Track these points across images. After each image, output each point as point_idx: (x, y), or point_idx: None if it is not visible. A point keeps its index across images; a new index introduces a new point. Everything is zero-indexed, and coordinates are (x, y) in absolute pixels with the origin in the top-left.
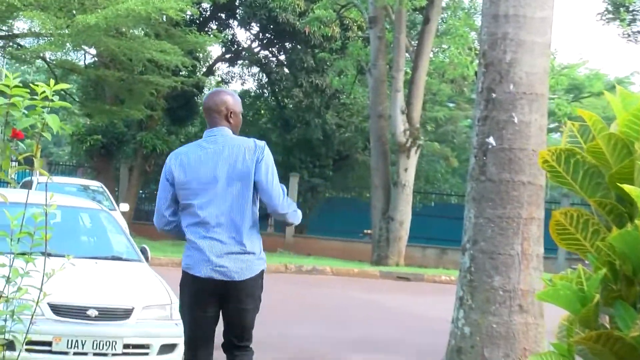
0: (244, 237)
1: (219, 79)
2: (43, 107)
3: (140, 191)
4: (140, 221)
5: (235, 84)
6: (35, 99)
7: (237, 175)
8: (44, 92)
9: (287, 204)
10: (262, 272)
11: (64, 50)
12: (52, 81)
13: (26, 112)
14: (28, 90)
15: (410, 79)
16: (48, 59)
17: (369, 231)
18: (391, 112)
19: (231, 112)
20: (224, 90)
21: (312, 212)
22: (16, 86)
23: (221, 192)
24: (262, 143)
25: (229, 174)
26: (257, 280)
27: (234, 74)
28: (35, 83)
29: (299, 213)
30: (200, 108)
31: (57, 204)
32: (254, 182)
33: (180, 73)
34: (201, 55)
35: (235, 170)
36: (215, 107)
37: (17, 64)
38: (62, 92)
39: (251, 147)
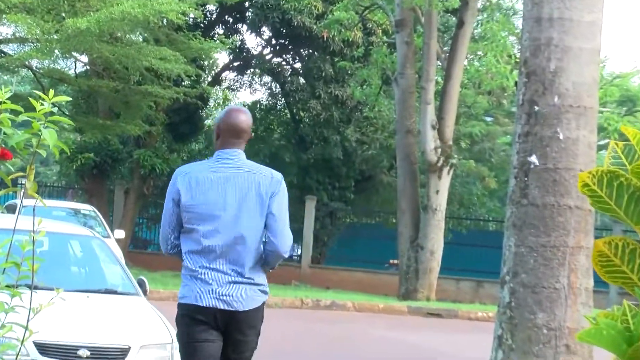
0: (248, 271)
1: (227, 90)
2: (38, 121)
3: (138, 216)
4: (137, 250)
5: (245, 95)
6: (29, 112)
7: (249, 206)
8: (43, 105)
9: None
10: (263, 303)
11: (52, 58)
12: (51, 92)
13: (16, 130)
14: (20, 104)
15: (442, 89)
16: (34, 68)
17: (396, 261)
18: (420, 127)
19: (250, 135)
20: (244, 108)
21: (331, 239)
22: (3, 102)
23: (230, 221)
24: (280, 176)
25: (241, 203)
26: (259, 312)
27: (243, 83)
28: (32, 94)
29: None
30: (206, 122)
31: (45, 231)
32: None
33: (183, 83)
34: (206, 63)
35: (247, 200)
36: (247, 128)
37: (0, 73)
38: (52, 105)
39: (268, 177)
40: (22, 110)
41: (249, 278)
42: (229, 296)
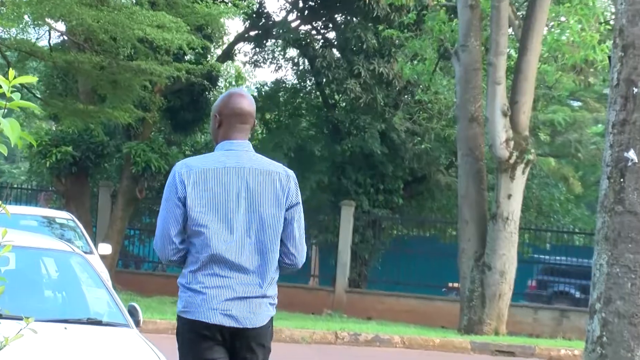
0: (261, 283)
1: (241, 66)
2: None
3: (128, 227)
4: (127, 269)
5: (264, 73)
6: None
7: (266, 208)
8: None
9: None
10: (272, 318)
11: (21, 26)
12: (11, 72)
13: None
14: None
15: (515, 66)
16: None
17: (456, 285)
18: (488, 113)
19: (255, 124)
20: (246, 92)
21: (373, 257)
22: None
23: (244, 224)
24: (293, 174)
25: (256, 204)
26: (268, 328)
27: (262, 58)
28: None
29: None
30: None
31: (11, 245)
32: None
33: (186, 58)
34: (215, 32)
35: (264, 201)
36: (253, 112)
37: None
38: (19, 86)
39: (283, 175)
40: None
41: (262, 290)
42: (237, 311)
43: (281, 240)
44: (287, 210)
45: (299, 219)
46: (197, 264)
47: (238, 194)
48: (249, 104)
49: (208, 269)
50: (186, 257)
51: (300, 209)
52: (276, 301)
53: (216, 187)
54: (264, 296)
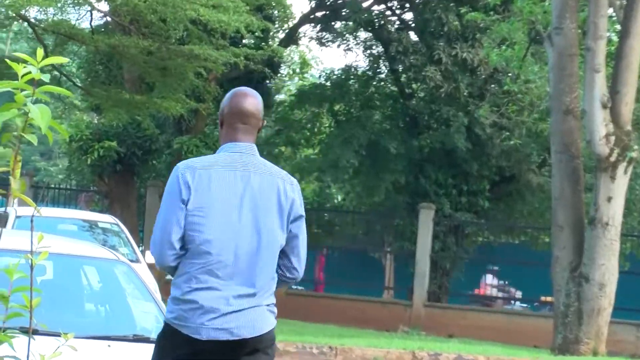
0: (265, 291)
1: (306, 51)
2: (26, 95)
3: None
4: None
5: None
6: (10, 82)
7: (269, 216)
8: (29, 71)
9: None
10: (274, 325)
11: (59, 5)
12: (39, 51)
13: None
14: None
15: (616, 51)
16: (33, 20)
17: (549, 298)
18: (585, 105)
19: (263, 122)
20: (252, 91)
21: (456, 267)
22: None
23: (246, 231)
24: (296, 181)
25: (259, 211)
26: (270, 334)
27: (330, 41)
28: (13, 55)
29: None
30: (277, 98)
31: (48, 251)
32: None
33: (244, 42)
34: (277, 12)
35: (267, 208)
36: (257, 112)
37: None
38: (55, 72)
39: (287, 182)
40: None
41: (259, 301)
42: (232, 324)
43: (283, 253)
44: (291, 222)
45: (303, 232)
46: (192, 273)
47: (241, 198)
48: (251, 104)
49: (203, 280)
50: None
51: (303, 222)
52: (275, 310)
53: (218, 189)
54: (259, 305)
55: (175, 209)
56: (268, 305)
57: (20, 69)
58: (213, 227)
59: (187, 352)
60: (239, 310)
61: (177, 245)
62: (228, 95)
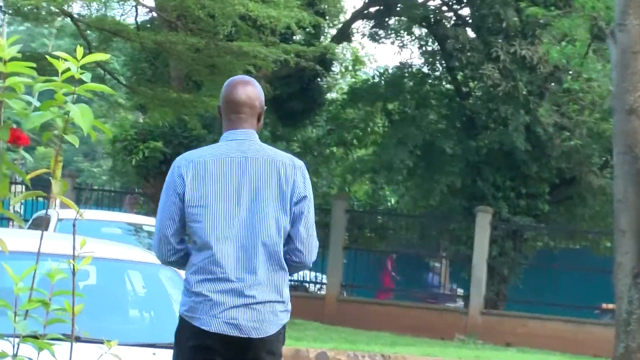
0: (268, 285)
1: (359, 48)
2: (66, 94)
3: None
4: None
5: (386, 55)
6: (52, 80)
7: (269, 201)
8: (68, 68)
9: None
10: (285, 326)
11: (103, 1)
12: (80, 49)
13: (35, 101)
14: (34, 65)
15: None
16: (76, 16)
17: (611, 306)
18: None
19: (264, 111)
20: (252, 79)
21: (514, 273)
22: (14, 58)
23: (246, 219)
24: (301, 163)
25: (258, 197)
26: (279, 335)
27: (383, 37)
28: (54, 53)
29: None
30: (328, 97)
31: (91, 256)
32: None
33: (295, 38)
34: (330, 8)
35: (267, 194)
36: (250, 100)
37: (25, 23)
38: (98, 69)
39: (288, 164)
40: (33, 72)
41: (268, 294)
42: (242, 320)
43: (289, 237)
44: (295, 204)
45: (307, 214)
46: (198, 265)
47: (239, 186)
48: (242, 93)
49: (209, 271)
50: (187, 257)
51: (308, 203)
52: (289, 307)
53: (215, 179)
54: (271, 301)
55: (169, 204)
56: (280, 302)
57: (60, 67)
58: (211, 218)
59: (197, 345)
60: (248, 305)
61: (173, 240)
62: (223, 86)
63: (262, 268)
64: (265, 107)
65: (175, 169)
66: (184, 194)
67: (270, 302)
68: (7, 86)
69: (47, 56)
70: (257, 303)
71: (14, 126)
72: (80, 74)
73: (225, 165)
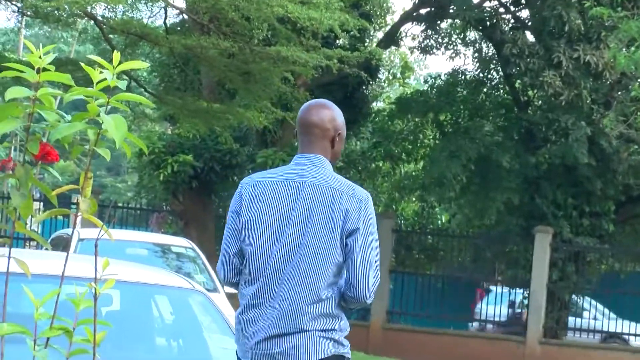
0: (316, 314)
1: (407, 53)
2: (99, 105)
3: None
4: None
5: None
6: (84, 89)
7: (316, 227)
8: (104, 78)
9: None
10: (339, 356)
11: (129, 3)
12: (116, 55)
13: (64, 114)
14: (67, 76)
15: None
16: (100, 18)
17: None
18: None
19: (339, 134)
20: (330, 102)
21: (577, 298)
22: (45, 69)
23: (287, 244)
24: (365, 195)
25: (305, 223)
26: None
27: (435, 42)
28: (87, 59)
29: None
30: (374, 106)
31: (115, 279)
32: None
33: (338, 43)
34: (376, 9)
35: (315, 219)
36: (321, 122)
37: (46, 27)
38: (127, 78)
39: (346, 194)
40: (70, 81)
41: (307, 324)
42: (276, 349)
43: (345, 270)
44: (347, 237)
45: (362, 246)
46: (242, 289)
47: (289, 212)
48: (315, 114)
49: (249, 296)
50: None
51: (363, 236)
52: (338, 336)
53: (266, 203)
54: (308, 330)
55: (233, 223)
56: (323, 330)
57: (96, 75)
58: (255, 240)
59: None
60: (284, 335)
61: (236, 260)
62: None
63: (297, 297)
64: (344, 134)
65: (239, 187)
66: (240, 213)
67: (310, 331)
68: (38, 98)
69: (80, 63)
70: (293, 333)
71: (44, 140)
72: (117, 82)
73: (280, 189)
